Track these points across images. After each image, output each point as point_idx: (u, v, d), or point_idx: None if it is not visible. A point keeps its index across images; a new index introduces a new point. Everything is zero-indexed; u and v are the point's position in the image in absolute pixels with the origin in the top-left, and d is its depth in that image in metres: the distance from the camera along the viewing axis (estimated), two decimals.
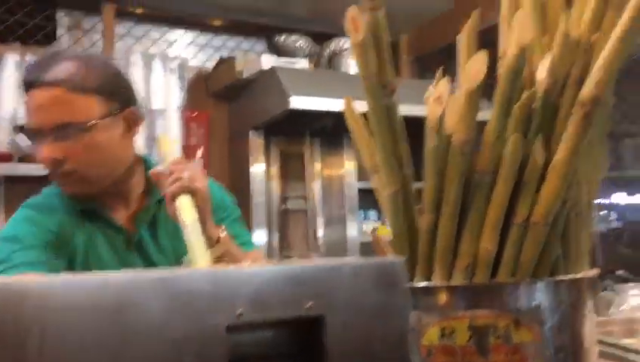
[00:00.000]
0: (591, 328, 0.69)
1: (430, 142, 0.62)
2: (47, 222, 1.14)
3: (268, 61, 2.76)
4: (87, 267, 1.14)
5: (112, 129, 1.14)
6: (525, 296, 0.65)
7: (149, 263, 1.17)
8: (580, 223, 0.69)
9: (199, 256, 0.90)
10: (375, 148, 0.66)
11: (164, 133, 1.11)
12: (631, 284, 1.63)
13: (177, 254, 1.17)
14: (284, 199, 3.14)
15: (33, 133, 1.10)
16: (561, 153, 0.61)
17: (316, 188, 3.16)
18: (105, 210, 1.20)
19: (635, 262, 2.89)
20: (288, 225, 3.16)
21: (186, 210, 1.00)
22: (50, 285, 0.45)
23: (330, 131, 2.95)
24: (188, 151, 2.92)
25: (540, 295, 0.65)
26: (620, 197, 3.73)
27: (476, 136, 0.64)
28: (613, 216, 3.80)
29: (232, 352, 0.50)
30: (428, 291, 0.67)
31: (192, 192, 1.03)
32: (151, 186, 1.21)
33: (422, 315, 0.66)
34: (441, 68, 0.66)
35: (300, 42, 3.37)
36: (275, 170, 3.06)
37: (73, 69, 1.11)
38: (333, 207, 3.21)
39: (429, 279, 0.68)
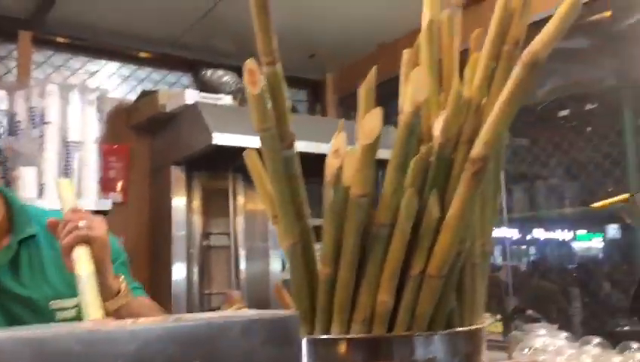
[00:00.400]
0: None
1: (328, 195, 0.63)
2: None
3: (192, 96, 2.74)
4: None
5: None
6: (421, 348, 0.65)
7: (7, 311, 1.10)
8: (475, 274, 0.71)
9: (93, 311, 0.86)
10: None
11: (62, 178, 1.06)
12: (537, 324, 1.68)
13: (44, 298, 1.11)
14: (206, 235, 3.09)
15: None
16: (453, 208, 0.63)
17: (239, 223, 3.13)
18: None
19: (548, 295, 3.01)
20: (210, 261, 3.11)
21: (82, 261, 0.95)
22: None
23: None
24: (106, 185, 2.83)
25: (435, 347, 0.66)
26: (539, 233, 3.90)
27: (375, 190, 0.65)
28: (532, 251, 3.96)
29: None
30: (327, 343, 0.67)
31: (90, 242, 0.98)
32: (13, 224, 1.14)
33: None
34: (340, 121, 0.67)
35: (226, 78, 3.37)
36: (197, 205, 3.01)
37: None
38: (256, 242, 3.19)
39: (328, 331, 0.67)
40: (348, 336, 0.65)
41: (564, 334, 1.31)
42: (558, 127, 2.88)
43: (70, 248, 0.97)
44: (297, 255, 0.67)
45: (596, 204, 1.49)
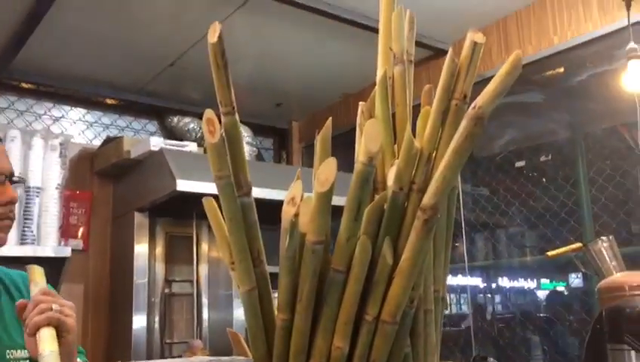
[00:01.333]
0: None
1: (283, 242, 0.64)
2: None
3: (157, 142, 2.75)
4: None
5: None
6: None
7: None
8: (429, 320, 0.72)
9: None
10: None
11: (33, 265, 1.07)
12: None
13: (2, 347, 1.12)
14: (168, 282, 3.05)
15: None
16: (406, 254, 0.65)
17: (203, 270, 3.10)
18: None
19: (509, 343, 3.03)
20: (172, 309, 3.06)
21: (48, 340, 0.94)
22: None
23: None
24: (66, 231, 2.79)
25: None
26: (503, 281, 3.93)
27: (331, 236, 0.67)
28: (497, 299, 3.98)
29: None
30: None
31: (60, 325, 0.98)
32: None
33: None
34: (298, 169, 0.69)
35: (192, 125, 3.39)
36: (160, 251, 2.98)
37: None
38: (220, 289, 3.15)
39: None
40: None
41: None
42: (516, 177, 2.96)
43: (37, 328, 0.96)
44: (254, 301, 0.67)
45: (551, 253, 1.53)
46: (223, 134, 0.62)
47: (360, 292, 0.66)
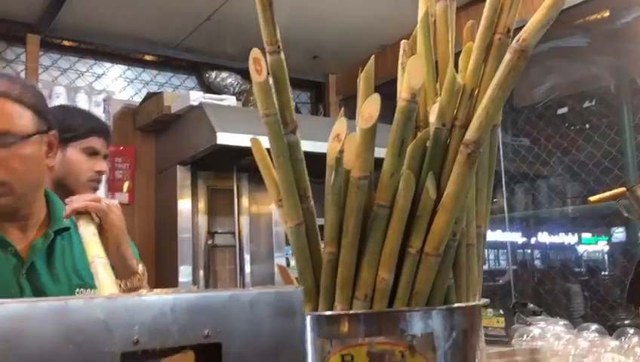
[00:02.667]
0: (482, 353, 0.73)
1: (329, 177, 0.66)
2: None
3: (196, 97, 2.78)
4: None
5: (39, 147, 1.18)
6: (420, 324, 0.69)
7: (39, 293, 1.16)
8: (471, 254, 0.74)
9: (106, 285, 0.90)
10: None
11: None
12: (538, 317, 1.71)
13: (72, 287, 1.18)
14: (211, 234, 3.13)
15: None
16: (449, 189, 0.67)
17: (244, 222, 3.16)
18: (0, 233, 1.18)
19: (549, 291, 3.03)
20: (215, 261, 3.14)
21: (87, 227, 1.01)
22: None
23: (257, 168, 2.97)
24: (113, 186, 2.87)
25: (433, 322, 0.69)
26: (543, 237, 3.89)
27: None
28: (537, 255, 3.95)
29: None
30: (330, 320, 0.70)
31: (100, 214, 1.05)
32: (51, 217, 1.22)
33: (324, 343, 0.69)
34: (342, 108, 0.70)
35: (230, 79, 3.41)
36: (202, 205, 3.05)
37: (12, 83, 1.16)
38: (261, 243, 3.22)
39: (331, 308, 0.71)
40: (350, 312, 0.69)
41: (562, 322, 1.34)
42: (557, 126, 2.90)
43: (72, 211, 1.05)
44: (301, 235, 0.70)
45: (594, 198, 1.52)
46: (269, 73, 0.63)
47: (404, 226, 0.68)
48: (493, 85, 0.63)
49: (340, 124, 0.66)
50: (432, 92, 0.74)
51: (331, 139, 0.66)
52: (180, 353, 0.53)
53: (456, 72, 0.69)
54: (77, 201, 1.06)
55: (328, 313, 0.70)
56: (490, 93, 0.63)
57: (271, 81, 0.64)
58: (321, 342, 0.69)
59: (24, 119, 1.15)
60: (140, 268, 1.15)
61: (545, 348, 1.14)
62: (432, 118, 0.69)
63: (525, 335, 1.22)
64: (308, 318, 0.70)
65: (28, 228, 1.22)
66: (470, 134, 0.65)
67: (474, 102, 0.68)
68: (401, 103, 0.66)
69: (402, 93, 0.65)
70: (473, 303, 0.73)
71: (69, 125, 1.69)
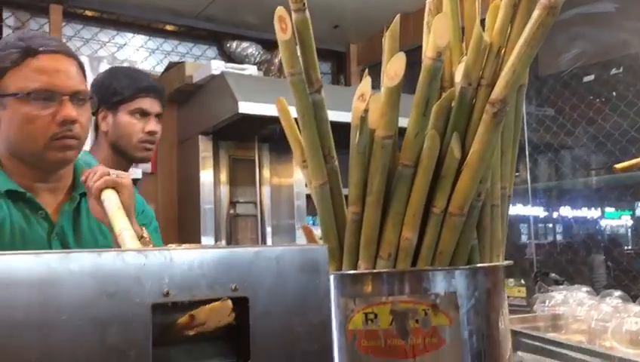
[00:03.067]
0: (505, 313, 0.74)
1: (354, 137, 0.66)
2: None
3: (218, 66, 2.78)
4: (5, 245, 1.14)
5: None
6: (443, 283, 0.69)
7: None
8: (495, 215, 0.74)
9: (127, 238, 0.92)
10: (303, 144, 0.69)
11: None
12: (560, 287, 1.71)
13: (99, 247, 1.20)
14: (233, 204, 3.15)
15: (49, 93, 1.14)
16: (474, 148, 0.66)
17: (266, 192, 3.18)
18: (32, 195, 1.21)
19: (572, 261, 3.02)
20: (237, 231, 3.17)
21: (112, 199, 1.04)
22: None
23: (279, 138, 2.98)
24: None
25: (456, 281, 0.70)
26: (567, 209, 3.85)
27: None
28: (559, 229, 3.91)
29: (157, 331, 0.52)
30: (353, 279, 0.71)
31: (118, 187, 1.08)
32: (77, 180, 1.26)
33: (348, 302, 0.70)
34: (366, 68, 0.70)
35: (251, 49, 3.40)
36: (224, 174, 3.07)
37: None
38: (282, 213, 3.24)
39: (355, 267, 0.72)
40: (374, 271, 0.70)
41: (585, 289, 1.34)
42: (583, 95, 2.85)
43: (99, 191, 1.08)
44: (325, 195, 0.71)
45: (620, 165, 1.49)
46: (294, 31, 0.63)
47: (428, 186, 0.68)
48: (521, 42, 0.63)
49: (365, 83, 0.66)
50: (457, 52, 0.73)
51: (356, 98, 0.66)
52: (219, 301, 0.54)
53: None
54: (93, 180, 1.09)
55: (352, 272, 0.71)
56: (517, 51, 0.63)
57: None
58: (344, 300, 0.70)
59: (85, 83, 1.22)
60: (145, 233, 1.18)
61: (567, 314, 1.14)
62: (458, 77, 0.69)
63: (547, 301, 1.22)
64: (332, 277, 0.71)
65: (57, 190, 1.24)
66: (497, 93, 0.64)
67: (500, 60, 0.67)
68: (426, 62, 0.65)
69: (428, 51, 0.65)
70: (496, 263, 0.73)
71: (114, 89, 1.70)
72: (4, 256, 0.49)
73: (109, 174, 1.09)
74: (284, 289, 0.59)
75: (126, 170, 1.75)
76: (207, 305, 0.54)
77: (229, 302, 0.55)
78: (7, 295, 0.47)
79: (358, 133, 0.67)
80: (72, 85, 1.16)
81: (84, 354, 0.49)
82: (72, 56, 1.20)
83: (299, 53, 0.63)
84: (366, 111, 0.65)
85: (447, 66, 0.74)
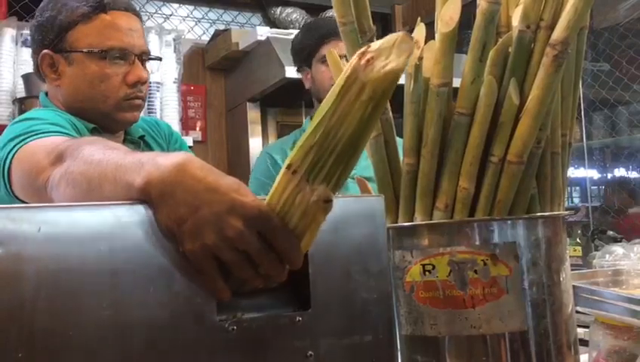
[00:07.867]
0: (567, 264, 0.72)
1: (408, 86, 0.65)
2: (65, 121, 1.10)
3: (263, 32, 2.77)
4: None
5: None
6: (502, 233, 0.68)
7: None
8: (555, 163, 0.72)
9: None
10: None
11: None
12: (619, 244, 1.66)
13: None
14: None
15: (125, 52, 1.13)
16: (534, 93, 0.64)
17: None
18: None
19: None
20: None
21: None
22: (45, 211, 0.49)
23: None
24: (186, 124, 2.95)
25: (516, 231, 0.69)
26: (624, 168, 3.70)
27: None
28: (616, 186, 3.75)
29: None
30: (410, 230, 0.71)
31: None
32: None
33: (405, 254, 0.70)
34: (418, 18, 0.68)
35: (295, 15, 3.38)
36: (272, 141, 3.09)
37: None
38: None
39: (411, 220, 0.71)
40: (431, 222, 0.69)
41: None
42: None
43: None
44: (380, 147, 0.70)
45: None
46: None
47: (485, 134, 0.67)
48: None
49: (419, 30, 0.65)
50: None
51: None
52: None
53: None
54: None
55: (408, 224, 0.71)
56: None
57: None
58: (401, 253, 0.70)
59: None
60: None
61: (629, 268, 1.10)
62: (515, 21, 0.67)
63: (607, 255, 1.19)
64: (388, 230, 0.71)
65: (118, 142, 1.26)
66: (557, 34, 0.62)
67: (561, 1, 0.64)
68: (483, 5, 0.63)
69: None
70: (557, 213, 0.72)
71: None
72: (74, 209, 0.50)
73: None
74: (342, 239, 0.59)
75: None
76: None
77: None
78: (78, 246, 0.49)
79: (412, 82, 0.66)
80: (142, 45, 1.16)
81: (151, 301, 0.50)
82: (139, 15, 1.19)
83: (350, 2, 0.62)
84: (420, 58, 0.64)
85: (504, 11, 0.71)
